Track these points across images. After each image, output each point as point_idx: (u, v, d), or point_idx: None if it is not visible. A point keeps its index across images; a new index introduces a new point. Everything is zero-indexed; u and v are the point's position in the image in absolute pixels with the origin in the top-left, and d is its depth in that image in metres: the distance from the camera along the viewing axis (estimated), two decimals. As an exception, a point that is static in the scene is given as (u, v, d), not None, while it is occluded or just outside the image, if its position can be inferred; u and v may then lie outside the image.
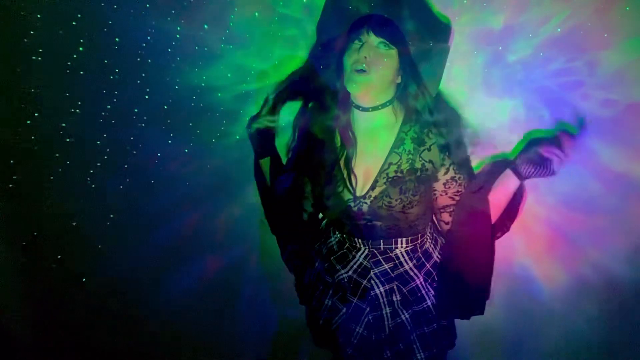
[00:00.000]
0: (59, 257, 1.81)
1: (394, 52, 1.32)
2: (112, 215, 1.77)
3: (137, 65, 1.60)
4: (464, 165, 1.44)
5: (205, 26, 1.59)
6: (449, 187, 1.40)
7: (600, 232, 1.64)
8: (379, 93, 1.36)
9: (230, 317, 2.04)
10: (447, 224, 1.46)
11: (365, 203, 1.39)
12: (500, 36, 1.52)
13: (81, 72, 1.60)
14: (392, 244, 1.46)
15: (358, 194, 1.40)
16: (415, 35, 1.37)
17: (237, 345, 2.08)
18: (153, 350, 2.05)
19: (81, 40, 1.57)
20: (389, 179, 1.37)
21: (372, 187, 1.39)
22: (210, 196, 1.83)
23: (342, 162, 1.42)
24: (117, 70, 1.61)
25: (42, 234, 1.80)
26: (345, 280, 1.51)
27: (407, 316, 1.48)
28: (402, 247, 1.47)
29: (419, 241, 1.49)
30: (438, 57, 1.45)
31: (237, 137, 1.74)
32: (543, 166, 1.31)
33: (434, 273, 1.51)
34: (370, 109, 1.38)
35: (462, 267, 1.43)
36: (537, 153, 1.32)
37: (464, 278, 1.42)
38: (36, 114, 1.63)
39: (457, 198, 1.41)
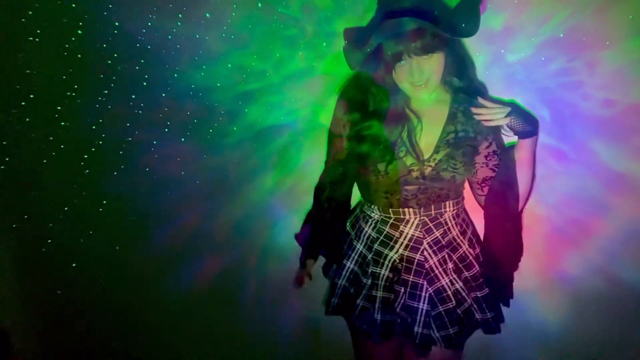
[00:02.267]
0: (49, 241, 1.79)
1: (439, 53, 1.31)
2: (104, 202, 1.76)
3: (135, 51, 1.59)
4: (502, 141, 1.49)
5: (207, 15, 1.58)
6: (490, 160, 1.45)
7: (600, 232, 1.64)
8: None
9: (230, 317, 2.03)
10: (484, 196, 1.51)
11: (430, 166, 1.42)
12: (500, 36, 1.52)
13: (79, 56, 1.59)
14: (442, 208, 1.48)
15: (421, 158, 1.42)
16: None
17: (237, 344, 2.07)
18: (149, 348, 2.04)
19: (80, 24, 1.56)
20: (450, 144, 1.41)
21: (436, 152, 1.42)
22: (210, 196, 1.83)
23: (404, 135, 1.42)
24: (115, 55, 1.60)
25: (33, 218, 1.78)
26: (397, 261, 1.50)
27: (462, 283, 1.50)
28: (450, 211, 1.49)
29: (460, 205, 1.54)
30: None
31: (235, 128, 1.74)
32: (514, 121, 1.34)
33: (474, 240, 1.56)
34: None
35: (495, 241, 1.50)
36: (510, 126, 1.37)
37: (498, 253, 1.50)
38: (31, 96, 1.61)
39: (496, 170, 1.46)
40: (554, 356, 1.84)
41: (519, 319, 1.72)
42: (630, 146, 1.54)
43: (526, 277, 1.70)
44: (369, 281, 1.53)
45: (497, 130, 1.44)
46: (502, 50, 1.54)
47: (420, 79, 1.31)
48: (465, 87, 1.44)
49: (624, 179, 1.57)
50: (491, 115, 1.31)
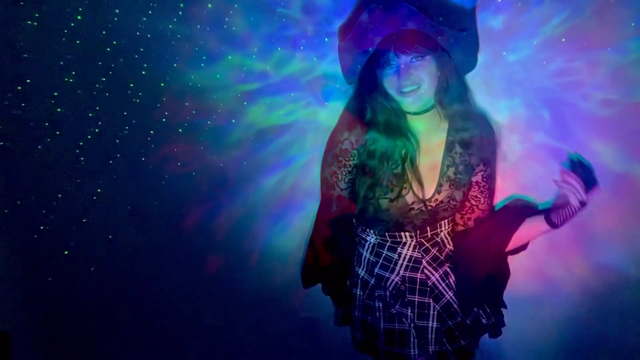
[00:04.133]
0: (42, 227, 1.78)
1: (429, 57, 1.30)
2: (99, 190, 1.75)
3: (135, 38, 1.59)
4: (492, 178, 1.48)
5: (210, 5, 1.58)
6: (471, 189, 1.46)
7: (600, 232, 1.63)
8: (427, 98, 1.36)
9: (229, 317, 2.03)
10: (458, 225, 1.54)
11: (430, 205, 1.41)
12: (500, 36, 1.52)
13: (77, 42, 1.58)
14: (437, 229, 1.48)
15: (423, 197, 1.41)
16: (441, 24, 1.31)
17: (237, 344, 2.06)
18: (147, 347, 2.03)
19: (79, 9, 1.55)
20: (452, 182, 1.41)
21: (438, 191, 1.41)
22: (210, 196, 1.83)
23: (407, 163, 1.39)
24: (114, 43, 1.60)
25: (26, 204, 1.77)
26: (399, 283, 1.49)
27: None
28: (445, 229, 1.50)
29: (452, 222, 1.54)
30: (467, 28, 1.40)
31: (233, 121, 1.73)
32: (568, 207, 1.33)
33: None
34: (420, 113, 1.39)
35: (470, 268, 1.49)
36: (560, 197, 1.37)
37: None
38: (28, 81, 1.61)
39: (473, 202, 1.47)
40: (553, 353, 1.84)
41: (518, 318, 1.72)
42: (630, 146, 1.54)
43: (525, 277, 1.70)
44: (380, 304, 1.51)
45: (493, 164, 1.46)
46: (503, 52, 1.54)
47: (407, 84, 1.29)
48: (462, 113, 1.42)
49: (624, 179, 1.56)
50: (578, 190, 1.30)
